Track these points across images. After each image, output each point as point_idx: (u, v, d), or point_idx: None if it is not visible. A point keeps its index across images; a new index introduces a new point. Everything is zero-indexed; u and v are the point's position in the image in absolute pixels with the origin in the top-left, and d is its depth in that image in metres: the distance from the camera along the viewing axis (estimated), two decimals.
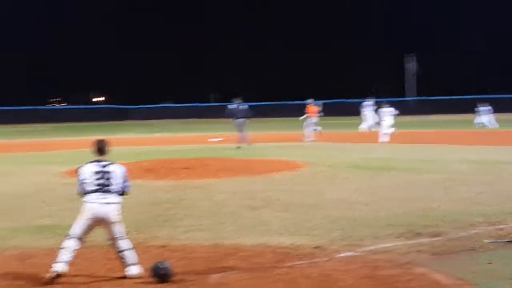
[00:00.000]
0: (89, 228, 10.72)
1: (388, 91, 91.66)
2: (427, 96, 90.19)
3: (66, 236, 10.71)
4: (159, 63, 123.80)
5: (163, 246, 12.83)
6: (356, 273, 10.42)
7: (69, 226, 14.18)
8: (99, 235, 13.59)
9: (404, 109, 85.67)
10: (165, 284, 10.04)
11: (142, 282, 10.17)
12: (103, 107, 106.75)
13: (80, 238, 10.67)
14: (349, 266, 10.87)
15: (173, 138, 47.08)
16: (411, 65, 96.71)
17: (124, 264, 10.67)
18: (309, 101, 44.12)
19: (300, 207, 16.92)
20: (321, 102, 48.88)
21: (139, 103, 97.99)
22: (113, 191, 10.67)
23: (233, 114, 38.35)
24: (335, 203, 17.29)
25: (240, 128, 37.86)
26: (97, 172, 10.59)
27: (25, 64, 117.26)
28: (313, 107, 43.57)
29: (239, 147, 36.52)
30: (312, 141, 41.20)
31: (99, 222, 10.68)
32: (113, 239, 10.78)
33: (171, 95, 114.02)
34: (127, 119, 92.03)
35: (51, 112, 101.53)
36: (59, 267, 10.39)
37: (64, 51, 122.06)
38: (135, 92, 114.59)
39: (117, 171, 10.73)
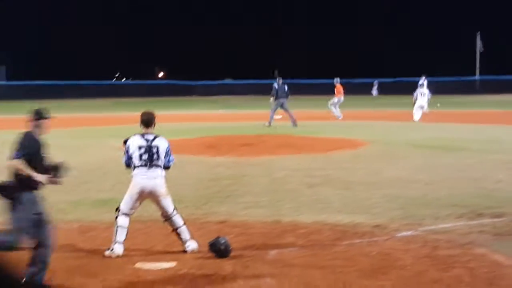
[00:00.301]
0: (138, 203, 10.90)
1: (455, 69, 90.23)
2: (491, 75, 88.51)
3: (117, 210, 10.90)
4: (221, 39, 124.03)
5: (222, 222, 12.91)
6: (416, 253, 10.36)
7: None
8: (155, 210, 13.76)
9: (470, 89, 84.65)
10: (223, 259, 10.11)
11: (200, 257, 10.25)
12: (167, 83, 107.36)
13: (130, 213, 10.87)
14: (408, 245, 10.81)
15: (234, 114, 47.20)
16: (477, 43, 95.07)
17: (182, 240, 10.80)
18: (336, 80, 44.17)
19: (360, 185, 16.84)
20: (376, 81, 48.45)
21: (201, 79, 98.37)
22: (158, 165, 10.77)
23: (275, 94, 37.85)
24: (395, 181, 17.17)
25: (281, 107, 37.35)
26: (142, 147, 10.74)
27: (94, 39, 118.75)
28: (339, 87, 43.78)
29: (268, 125, 36.19)
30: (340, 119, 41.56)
31: (147, 196, 10.82)
32: (166, 217, 10.90)
33: (231, 71, 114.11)
34: (190, 95, 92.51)
35: (116, 88, 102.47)
36: (118, 249, 10.62)
37: (131, 27, 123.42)
38: (198, 68, 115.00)
39: (161, 146, 10.83)
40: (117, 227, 10.74)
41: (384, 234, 11.71)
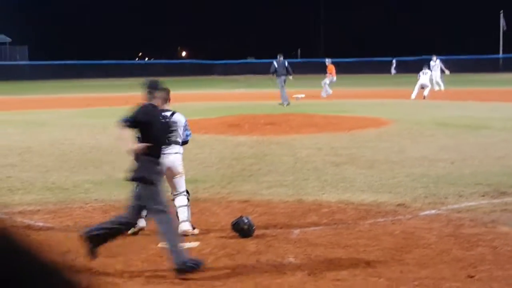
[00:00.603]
0: None
1: (478, 47, 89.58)
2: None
3: None
4: (244, 17, 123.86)
5: (246, 201, 12.91)
6: (439, 231, 10.32)
7: None
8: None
9: (493, 67, 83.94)
10: (246, 238, 10.12)
11: (223, 237, 10.27)
12: (189, 62, 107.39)
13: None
14: (432, 224, 10.77)
15: (256, 93, 47.17)
16: (500, 22, 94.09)
17: (177, 219, 10.84)
18: (328, 60, 45.04)
19: (383, 164, 16.79)
20: (394, 59, 48.42)
21: (223, 58, 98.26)
22: (176, 141, 10.85)
23: (275, 71, 37.97)
24: (420, 160, 17.10)
25: (282, 85, 37.44)
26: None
27: (117, 18, 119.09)
28: (331, 67, 44.50)
29: (281, 104, 36.44)
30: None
31: (165, 172, 10.81)
32: (176, 195, 10.90)
33: (253, 51, 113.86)
34: (211, 74, 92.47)
35: (139, 67, 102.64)
36: (142, 222, 10.66)
37: (154, 6, 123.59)
38: (220, 47, 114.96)
39: (179, 122, 10.89)
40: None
41: (407, 213, 11.67)
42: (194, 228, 10.70)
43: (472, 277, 8.25)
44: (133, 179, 8.96)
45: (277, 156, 18.39)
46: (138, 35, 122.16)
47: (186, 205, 10.84)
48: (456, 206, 12.05)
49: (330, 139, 21.56)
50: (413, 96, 40.14)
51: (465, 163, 16.47)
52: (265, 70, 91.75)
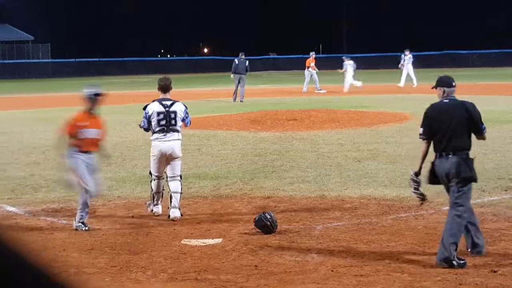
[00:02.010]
0: (162, 165, 11.64)
1: (498, 41, 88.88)
2: None
3: (151, 175, 11.69)
4: (265, 14, 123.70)
5: (268, 197, 12.94)
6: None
7: None
8: (201, 186, 13.85)
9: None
10: (269, 234, 10.14)
11: (246, 233, 10.30)
12: (211, 58, 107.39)
13: (161, 176, 11.70)
14: None
15: (278, 89, 47.14)
16: None
17: (171, 204, 11.45)
18: (311, 53, 45.74)
19: (405, 159, 16.71)
20: (403, 54, 48.49)
21: (245, 55, 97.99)
22: (175, 129, 11.54)
23: (234, 69, 38.71)
24: None
25: (238, 83, 38.07)
26: (161, 113, 11.47)
27: (139, 16, 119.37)
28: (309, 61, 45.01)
29: (234, 101, 37.11)
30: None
31: (166, 157, 11.58)
32: (172, 177, 11.61)
33: (274, 47, 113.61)
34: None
35: (162, 64, 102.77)
36: (157, 209, 11.67)
37: (176, 4, 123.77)
38: (242, 43, 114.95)
39: (179, 110, 11.59)
40: (154, 193, 11.69)
41: (430, 208, 11.64)
42: (181, 215, 11.40)
43: (495, 271, 8.24)
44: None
45: (299, 152, 18.39)
46: (160, 32, 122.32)
47: (180, 192, 11.50)
48: (478, 200, 12.00)
49: (352, 134, 21.54)
50: (346, 90, 42.87)
51: (488, 158, 16.38)
52: (287, 65, 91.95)
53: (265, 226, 10.26)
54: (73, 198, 13.30)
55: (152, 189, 11.72)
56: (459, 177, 8.82)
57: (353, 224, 10.75)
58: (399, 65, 47.94)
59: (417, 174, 9.31)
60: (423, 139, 9.09)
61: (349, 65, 44.71)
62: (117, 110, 33.37)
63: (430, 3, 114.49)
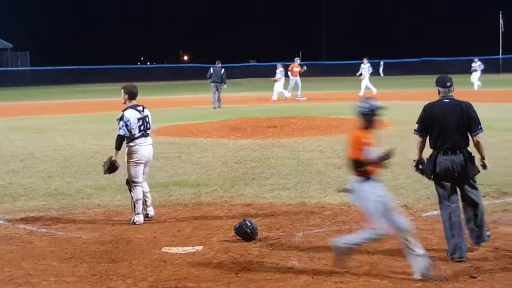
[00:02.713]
0: (142, 169, 11.83)
1: (478, 49, 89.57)
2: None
3: (133, 183, 11.69)
4: (244, 21, 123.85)
5: (249, 204, 12.94)
6: (442, 232, 10.26)
7: (155, 184, 14.46)
8: (181, 194, 13.84)
9: (493, 68, 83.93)
10: (249, 242, 10.13)
11: (226, 241, 10.28)
12: (191, 66, 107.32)
13: (141, 181, 11.80)
14: (434, 225, 10.77)
15: (258, 96, 47.19)
16: (500, 22, 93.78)
17: (147, 203, 11.81)
18: (296, 59, 46.74)
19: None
20: (382, 61, 49.36)
21: (225, 62, 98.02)
22: (149, 133, 11.86)
23: (210, 76, 39.46)
24: None
25: (214, 90, 38.71)
26: (140, 119, 11.66)
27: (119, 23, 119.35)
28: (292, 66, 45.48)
29: (215, 108, 37.71)
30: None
31: (146, 162, 11.87)
32: (143, 179, 11.88)
33: (254, 54, 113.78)
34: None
35: (141, 71, 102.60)
36: (141, 218, 11.65)
37: (156, 11, 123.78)
38: (222, 50, 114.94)
39: (149, 114, 11.91)
40: (136, 200, 11.66)
41: (410, 214, 11.68)
42: None
43: (474, 277, 8.28)
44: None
45: (279, 159, 18.41)
46: (139, 39, 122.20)
47: (149, 191, 11.95)
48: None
49: (332, 141, 21.58)
50: (274, 98, 43.64)
51: None
52: (266, 73, 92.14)
53: (245, 233, 10.26)
54: (52, 206, 13.26)
55: (133, 198, 11.69)
56: (469, 176, 9.46)
57: (333, 230, 10.77)
58: (357, 74, 48.56)
59: (420, 161, 9.78)
60: (418, 135, 9.50)
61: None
62: (96, 118, 33.31)
63: (413, 11, 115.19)
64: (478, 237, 9.40)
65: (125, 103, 11.88)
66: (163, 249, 9.92)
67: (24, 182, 15.93)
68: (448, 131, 9.18)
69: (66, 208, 13.11)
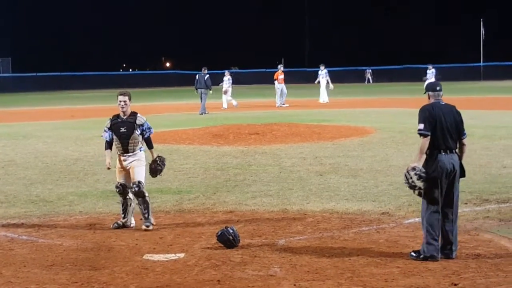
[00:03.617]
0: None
1: (459, 56, 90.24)
2: (496, 61, 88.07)
3: (140, 186, 11.66)
4: (228, 28, 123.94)
5: (231, 211, 12.94)
6: (423, 239, 10.36)
7: None
8: (164, 201, 13.83)
9: (474, 75, 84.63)
10: (232, 249, 10.12)
11: (208, 248, 10.27)
12: (174, 73, 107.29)
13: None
14: (416, 232, 10.81)
15: (240, 103, 47.19)
16: (481, 30, 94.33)
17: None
18: (279, 66, 46.84)
19: (367, 173, 16.86)
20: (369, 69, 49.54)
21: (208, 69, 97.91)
22: None
23: (196, 83, 40.16)
24: (403, 169, 16.95)
25: (200, 97, 39.31)
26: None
27: (101, 31, 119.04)
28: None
29: (205, 113, 38.35)
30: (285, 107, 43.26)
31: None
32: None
33: (237, 61, 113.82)
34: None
35: (123, 78, 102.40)
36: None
37: (138, 18, 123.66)
38: (202, 58, 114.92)
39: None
40: (149, 203, 11.83)
41: (391, 222, 11.74)
42: None
43: (455, 284, 8.30)
44: None
45: (261, 166, 18.42)
46: (122, 46, 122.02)
47: None
48: None
49: (314, 148, 21.61)
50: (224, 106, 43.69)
51: None
52: (248, 80, 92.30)
53: (227, 240, 10.25)
54: (33, 213, 13.19)
55: (148, 201, 11.79)
56: (462, 175, 9.71)
57: (315, 238, 10.78)
58: (316, 82, 48.73)
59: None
60: (426, 135, 9.47)
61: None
62: (78, 125, 33.21)
63: (394, 18, 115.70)
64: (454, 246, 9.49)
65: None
66: (144, 257, 9.89)
67: (5, 189, 15.85)
68: (447, 131, 9.46)
69: (47, 215, 13.05)
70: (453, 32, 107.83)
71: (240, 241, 10.34)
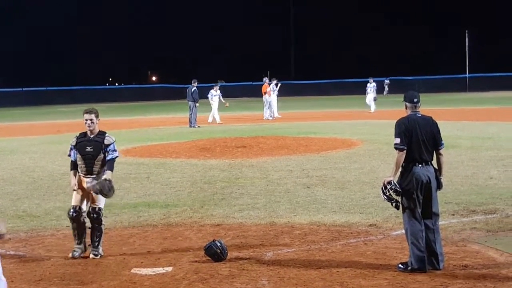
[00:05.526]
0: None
1: (445, 67, 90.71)
2: (481, 72, 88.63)
3: (101, 213, 11.09)
4: (214, 41, 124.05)
5: (218, 225, 12.94)
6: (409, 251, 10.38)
7: (124, 205, 14.44)
8: (151, 214, 13.81)
9: (460, 86, 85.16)
10: (219, 262, 10.12)
11: (196, 261, 10.26)
12: (160, 87, 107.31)
13: None
14: (403, 243, 10.80)
15: (227, 116, 47.24)
16: (466, 42, 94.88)
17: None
18: (264, 79, 47.28)
19: (354, 185, 16.89)
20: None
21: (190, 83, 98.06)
22: None
23: (186, 96, 40.88)
24: None
25: (190, 109, 39.67)
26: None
27: (87, 45, 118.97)
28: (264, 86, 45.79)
29: (194, 126, 38.80)
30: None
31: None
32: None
33: (223, 74, 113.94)
34: (183, 98, 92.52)
35: (109, 92, 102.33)
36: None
37: (124, 33, 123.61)
38: (187, 71, 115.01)
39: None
40: (103, 232, 11.10)
41: (379, 233, 11.77)
42: None
43: None
44: None
45: (248, 179, 18.43)
46: (107, 60, 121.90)
47: None
48: None
49: (301, 161, 21.64)
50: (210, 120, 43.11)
51: None
52: (234, 93, 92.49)
53: (215, 253, 10.25)
54: (20, 228, 13.15)
55: (103, 231, 11.06)
56: (439, 187, 9.74)
57: (303, 250, 10.79)
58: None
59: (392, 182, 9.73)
60: (401, 149, 9.60)
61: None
62: (64, 139, 33.11)
63: (382, 30, 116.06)
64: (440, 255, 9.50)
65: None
66: (132, 270, 9.88)
67: None
68: (423, 143, 9.55)
69: (34, 230, 13.02)
70: (439, 44, 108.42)
71: (228, 254, 10.34)
